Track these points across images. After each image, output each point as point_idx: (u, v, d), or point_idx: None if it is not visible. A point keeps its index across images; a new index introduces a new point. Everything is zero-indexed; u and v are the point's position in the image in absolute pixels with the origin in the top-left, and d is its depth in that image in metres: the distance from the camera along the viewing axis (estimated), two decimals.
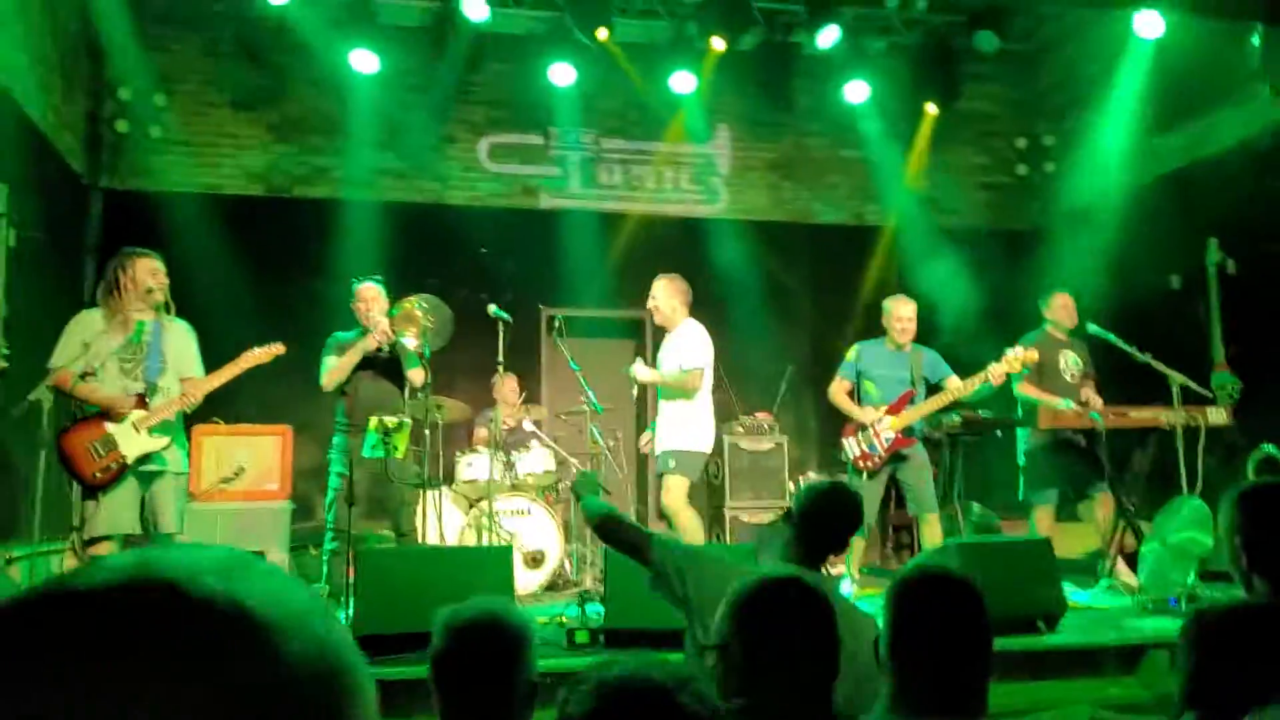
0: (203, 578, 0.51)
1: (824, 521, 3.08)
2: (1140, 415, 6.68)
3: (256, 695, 0.49)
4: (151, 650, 0.48)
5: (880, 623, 2.13)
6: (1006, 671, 4.75)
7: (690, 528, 6.04)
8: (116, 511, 5.00)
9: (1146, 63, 8.66)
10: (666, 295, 6.34)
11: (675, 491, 6.07)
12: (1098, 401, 6.91)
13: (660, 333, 9.61)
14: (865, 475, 6.54)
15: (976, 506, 8.06)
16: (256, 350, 5.39)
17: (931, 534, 6.47)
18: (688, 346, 6.23)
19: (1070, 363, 7.08)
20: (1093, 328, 7.03)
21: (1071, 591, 5.67)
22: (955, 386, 6.58)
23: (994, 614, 2.09)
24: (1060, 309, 7.19)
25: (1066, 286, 7.41)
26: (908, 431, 6.56)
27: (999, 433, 7.81)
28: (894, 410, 6.53)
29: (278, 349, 5.43)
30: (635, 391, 6.59)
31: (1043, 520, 6.91)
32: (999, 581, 5.06)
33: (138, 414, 5.06)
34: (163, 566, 0.52)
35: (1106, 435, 6.60)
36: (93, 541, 5.03)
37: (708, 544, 2.94)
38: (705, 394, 6.29)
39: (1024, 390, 6.95)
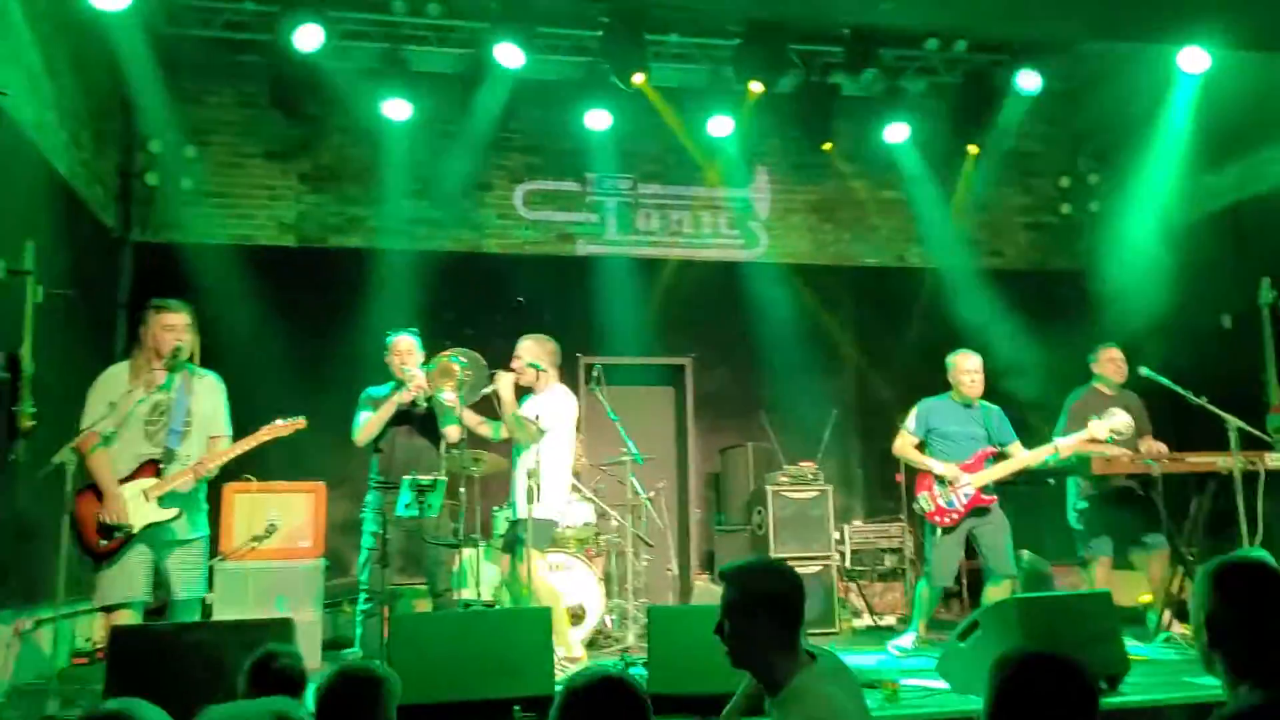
0: None
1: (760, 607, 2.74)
2: (1197, 460, 6.45)
3: None
4: None
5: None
6: None
7: (547, 595, 5.87)
8: (125, 580, 4.84)
9: (1193, 99, 8.47)
10: (532, 357, 6.14)
11: (533, 565, 5.83)
12: (1157, 447, 6.68)
13: (702, 377, 9.51)
14: (942, 531, 6.38)
15: (1027, 553, 7.84)
16: (278, 423, 5.28)
17: (1000, 596, 6.20)
18: (547, 407, 6.03)
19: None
20: (1146, 371, 6.82)
21: (1128, 645, 5.40)
22: (1022, 456, 6.47)
23: None
24: (1108, 363, 6.99)
25: (1114, 339, 7.21)
26: (987, 489, 6.41)
27: (1051, 480, 7.61)
28: (973, 468, 6.39)
29: (299, 423, 5.31)
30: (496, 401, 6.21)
31: (1100, 573, 6.75)
32: (1057, 638, 4.86)
33: (148, 482, 4.91)
34: None
35: (1163, 482, 6.38)
36: (110, 608, 4.89)
37: None
38: (558, 462, 6.06)
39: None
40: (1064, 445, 6.36)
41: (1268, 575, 2.22)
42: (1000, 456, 6.53)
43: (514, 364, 6.09)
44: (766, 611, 2.71)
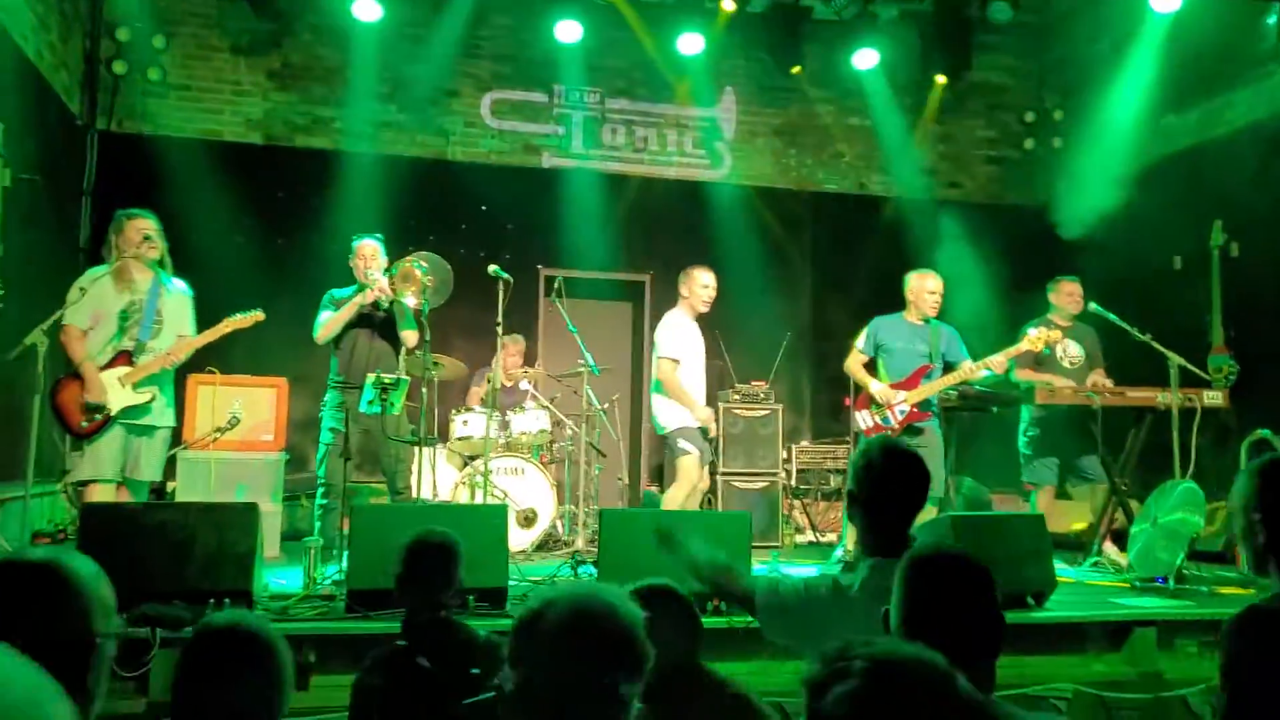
0: None
1: (892, 490, 2.76)
2: (1137, 395, 6.65)
3: None
4: None
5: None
6: None
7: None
8: (101, 458, 5.20)
9: (1160, 40, 8.53)
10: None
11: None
12: (1103, 382, 6.87)
13: (660, 294, 9.60)
14: None
15: (968, 480, 8.03)
16: (238, 317, 5.57)
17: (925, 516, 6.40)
18: (660, 336, 6.52)
19: (1071, 350, 7.03)
20: (1094, 305, 6.96)
21: (1059, 568, 5.65)
22: (967, 369, 6.49)
23: None
24: (1065, 295, 7.10)
25: (1073, 272, 7.29)
26: (923, 405, 6.47)
27: (995, 409, 7.78)
28: (909, 384, 6.46)
29: (258, 316, 5.60)
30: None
31: (1043, 499, 6.94)
32: (991, 556, 5.04)
33: (123, 370, 5.23)
34: None
35: (1102, 414, 6.57)
36: (83, 484, 5.30)
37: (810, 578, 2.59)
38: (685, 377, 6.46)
39: (1022, 375, 6.94)
40: (995, 361, 6.42)
41: None
42: (949, 371, 6.56)
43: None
44: None
